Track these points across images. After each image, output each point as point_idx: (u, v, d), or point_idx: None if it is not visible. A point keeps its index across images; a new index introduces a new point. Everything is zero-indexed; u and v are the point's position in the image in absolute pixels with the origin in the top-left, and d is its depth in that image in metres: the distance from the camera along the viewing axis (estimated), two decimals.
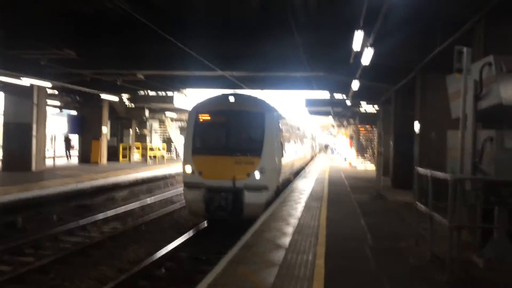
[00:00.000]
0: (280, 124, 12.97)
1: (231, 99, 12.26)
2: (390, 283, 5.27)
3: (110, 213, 13.62)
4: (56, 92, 24.65)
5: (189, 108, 12.86)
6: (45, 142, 21.24)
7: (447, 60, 6.16)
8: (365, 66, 12.65)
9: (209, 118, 12.26)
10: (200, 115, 12.24)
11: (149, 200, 16.68)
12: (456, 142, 6.24)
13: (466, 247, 6.78)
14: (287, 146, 15.47)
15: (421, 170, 7.11)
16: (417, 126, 13.64)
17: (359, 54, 11.74)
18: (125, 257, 9.27)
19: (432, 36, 10.40)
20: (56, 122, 25.96)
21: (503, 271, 5.77)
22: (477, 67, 6.24)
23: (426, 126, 13.23)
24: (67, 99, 26.46)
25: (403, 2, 8.02)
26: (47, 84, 18.90)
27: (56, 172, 19.65)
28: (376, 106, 26.47)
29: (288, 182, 16.54)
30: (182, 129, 37.91)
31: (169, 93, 27.52)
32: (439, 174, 6.11)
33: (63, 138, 31.08)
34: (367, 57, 11.57)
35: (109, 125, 28.55)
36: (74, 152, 31.69)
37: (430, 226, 6.42)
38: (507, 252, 5.98)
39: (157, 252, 9.24)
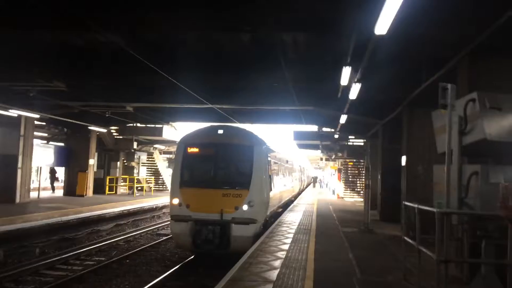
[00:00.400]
0: (268, 157, 13.00)
1: (220, 131, 12.31)
2: None
3: (94, 246, 13.34)
4: (43, 123, 24.54)
5: (178, 140, 12.86)
6: (30, 174, 20.98)
7: (433, 95, 6.30)
8: (353, 100, 12.87)
9: (197, 150, 12.25)
10: (188, 147, 12.24)
11: (134, 232, 16.41)
12: (442, 176, 6.30)
13: (454, 281, 6.76)
14: (276, 179, 15.46)
15: (408, 203, 7.15)
16: (403, 160, 13.77)
17: (347, 89, 11.96)
18: None
19: (418, 72, 10.65)
20: (43, 154, 25.71)
21: None
22: (462, 103, 6.39)
23: (413, 160, 13.37)
24: (54, 131, 26.32)
25: (389, 41, 8.24)
26: (34, 115, 18.82)
27: (40, 204, 19.32)
28: (364, 140, 26.73)
29: (276, 215, 16.44)
30: (170, 161, 37.77)
31: (158, 126, 27.53)
32: (427, 208, 6.14)
33: (48, 170, 30.70)
34: (354, 92, 11.78)
35: (96, 157, 28.33)
36: (59, 184, 31.27)
37: (418, 260, 6.40)
38: (494, 286, 5.95)
39: (142, 287, 9.02)
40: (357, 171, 33.74)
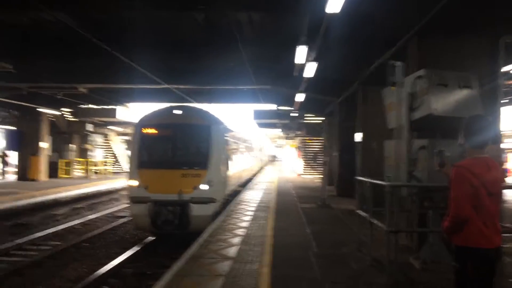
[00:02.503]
0: (226, 137, 13.03)
1: (177, 112, 12.20)
2: None
3: (50, 230, 13.04)
4: None
5: (134, 121, 12.66)
6: None
7: (385, 74, 6.50)
8: (309, 79, 13.05)
9: (154, 131, 12.12)
10: (145, 128, 12.07)
11: (92, 216, 16.13)
12: (392, 151, 6.57)
13: (404, 251, 7.11)
14: (234, 158, 15.56)
15: (361, 178, 7.42)
16: (358, 136, 14.16)
17: (303, 67, 12.10)
18: (65, 275, 8.88)
19: (371, 51, 10.89)
20: None
21: (438, 272, 6.09)
22: (410, 80, 6.62)
23: (367, 136, 13.77)
24: (3, 114, 25.25)
25: (341, 21, 8.37)
26: None
27: None
28: (322, 118, 27.18)
29: (236, 194, 16.58)
30: (127, 143, 37.09)
31: (112, 107, 26.89)
32: (378, 182, 6.40)
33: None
34: (310, 71, 11.94)
35: (49, 140, 27.44)
36: (11, 169, 30.14)
37: (370, 232, 6.69)
38: (441, 253, 6.32)
39: (100, 269, 8.95)
40: (315, 149, 34.38)
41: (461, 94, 6.40)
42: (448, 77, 6.44)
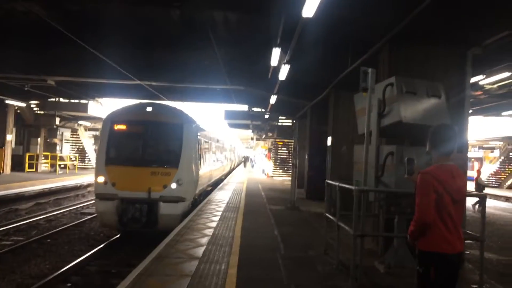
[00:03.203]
0: (198, 136, 12.95)
1: (149, 109, 12.04)
2: None
3: (12, 225, 12.66)
4: None
5: (104, 117, 12.43)
6: None
7: (357, 79, 6.59)
8: (283, 81, 13.11)
9: (124, 127, 11.92)
10: (115, 124, 11.86)
11: (56, 211, 15.74)
12: (362, 156, 6.66)
13: (370, 255, 7.24)
14: (206, 158, 15.47)
15: (330, 182, 7.49)
16: (329, 140, 14.32)
17: (276, 70, 12.15)
18: (26, 271, 8.64)
19: (344, 56, 11.03)
20: None
21: (401, 276, 6.22)
22: (381, 87, 6.72)
23: (338, 140, 13.94)
24: None
25: (316, 24, 8.44)
26: None
27: None
28: (293, 121, 27.36)
29: (206, 193, 16.50)
30: (96, 138, 36.38)
31: (83, 101, 26.33)
32: (346, 186, 6.48)
33: None
34: (284, 73, 12.00)
35: (14, 133, 26.62)
36: None
37: (338, 235, 6.76)
38: (405, 258, 6.45)
39: (63, 266, 8.74)
40: (286, 151, 34.57)
41: (429, 102, 6.54)
42: (417, 85, 6.57)
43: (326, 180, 8.03)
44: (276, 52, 10.55)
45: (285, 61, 11.24)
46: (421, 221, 3.36)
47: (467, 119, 8.37)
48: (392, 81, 6.55)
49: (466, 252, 8.03)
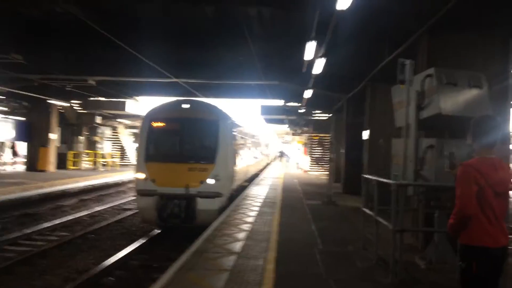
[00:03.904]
0: (234, 132, 13.05)
1: (185, 106, 12.23)
2: (337, 285, 5.43)
3: (58, 221, 13.17)
4: (3, 97, 23.69)
5: (142, 114, 12.71)
6: None
7: (394, 71, 6.46)
8: (318, 75, 13.00)
9: (162, 125, 12.16)
10: (153, 121, 12.12)
11: (99, 208, 16.26)
12: (400, 149, 6.54)
13: (409, 250, 7.11)
14: (241, 153, 15.58)
15: (367, 176, 7.40)
16: (366, 134, 14.11)
17: (311, 63, 12.06)
18: (72, 266, 8.98)
19: (380, 47, 10.83)
20: (2, 128, 24.87)
21: (443, 272, 6.08)
22: (419, 78, 6.57)
23: (375, 134, 13.71)
24: (14, 105, 25.46)
25: (351, 16, 8.32)
26: None
27: (0, 180, 18.79)
28: (329, 115, 27.09)
29: (242, 189, 16.62)
30: (135, 136, 37.24)
31: (121, 100, 26.99)
32: (384, 180, 6.38)
33: (8, 145, 29.79)
34: (319, 67, 11.90)
35: (58, 132, 27.63)
36: (20, 159, 30.43)
37: (376, 230, 6.68)
38: (446, 253, 6.30)
39: (106, 261, 9.03)
40: (322, 146, 34.30)
41: (470, 93, 6.34)
42: (457, 76, 6.38)
43: (363, 175, 7.93)
44: (310, 46, 10.46)
45: (320, 55, 11.14)
46: (461, 213, 3.28)
47: (510, 109, 8.06)
48: (431, 72, 6.39)
49: (511, 247, 7.75)
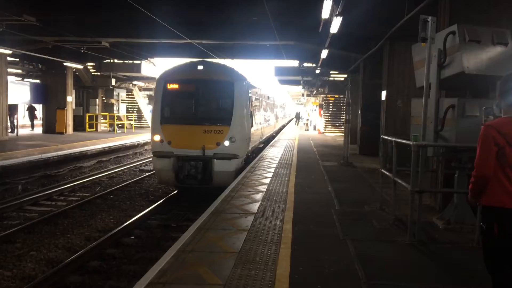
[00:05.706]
0: (249, 93, 12.94)
1: (200, 67, 12.10)
2: (354, 245, 5.47)
3: (77, 182, 13.45)
4: (17, 60, 23.74)
5: (157, 77, 12.65)
6: (6, 111, 20.46)
7: (414, 29, 6.23)
8: (334, 35, 12.66)
9: (177, 86, 12.08)
10: (168, 83, 12.05)
11: (117, 169, 16.52)
12: (420, 110, 6.40)
13: (427, 211, 7.09)
14: (257, 115, 15.51)
15: (386, 137, 7.31)
16: (384, 94, 13.88)
17: (328, 22, 11.73)
18: (93, 225, 9.22)
19: (399, 5, 10.46)
20: (18, 91, 25.01)
21: (462, 232, 6.07)
22: (442, 36, 6.35)
23: (393, 94, 13.48)
24: (29, 67, 25.51)
25: None
26: (6, 51, 18.13)
27: (19, 142, 19.12)
28: (345, 75, 26.67)
29: (258, 150, 16.66)
30: (150, 98, 37.29)
31: (136, 62, 26.85)
32: (404, 141, 6.30)
33: (26, 108, 30.07)
34: (335, 26, 11.57)
35: (74, 94, 27.76)
36: (38, 122, 30.81)
37: (394, 191, 6.66)
38: (465, 214, 6.27)
39: (126, 221, 9.25)
40: (338, 107, 33.95)
41: (494, 51, 6.12)
42: (481, 33, 6.14)
43: (381, 136, 7.84)
44: (327, 4, 10.13)
45: (337, 13, 10.81)
46: (479, 174, 3.24)
47: None
48: (453, 29, 6.17)
49: None
